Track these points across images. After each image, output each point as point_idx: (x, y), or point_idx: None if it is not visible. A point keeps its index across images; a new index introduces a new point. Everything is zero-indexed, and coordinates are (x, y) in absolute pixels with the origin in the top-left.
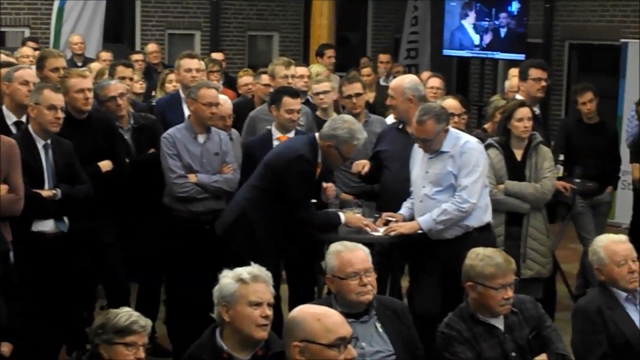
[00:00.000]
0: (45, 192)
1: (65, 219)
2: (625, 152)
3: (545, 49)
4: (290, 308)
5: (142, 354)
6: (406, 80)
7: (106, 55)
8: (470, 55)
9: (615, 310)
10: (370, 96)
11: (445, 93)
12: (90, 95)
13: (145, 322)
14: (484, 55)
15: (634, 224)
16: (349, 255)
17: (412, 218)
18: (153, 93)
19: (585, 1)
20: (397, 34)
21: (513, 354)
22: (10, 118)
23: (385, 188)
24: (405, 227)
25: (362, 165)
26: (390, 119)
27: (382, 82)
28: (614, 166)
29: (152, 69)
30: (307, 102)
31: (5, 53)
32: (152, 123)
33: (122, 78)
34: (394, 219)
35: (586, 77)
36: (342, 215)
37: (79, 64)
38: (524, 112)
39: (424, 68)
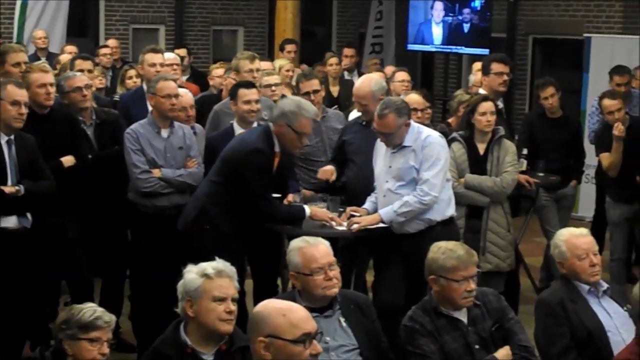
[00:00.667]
0: (8, 189)
1: (28, 214)
2: (589, 146)
3: (509, 44)
4: (255, 303)
5: (106, 350)
6: (372, 83)
7: (72, 49)
8: (434, 50)
9: (578, 303)
10: (335, 90)
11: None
12: (52, 90)
13: (110, 317)
14: (448, 50)
15: (596, 218)
16: (312, 251)
17: (376, 212)
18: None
19: None
20: (362, 28)
21: (476, 346)
22: None
23: (350, 182)
24: (366, 220)
25: (330, 173)
26: (354, 114)
27: (346, 77)
28: (577, 160)
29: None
30: None
31: None
32: (115, 118)
33: (81, 71)
34: (358, 214)
35: (550, 72)
36: (307, 209)
37: (43, 58)
38: (487, 106)
39: (389, 62)
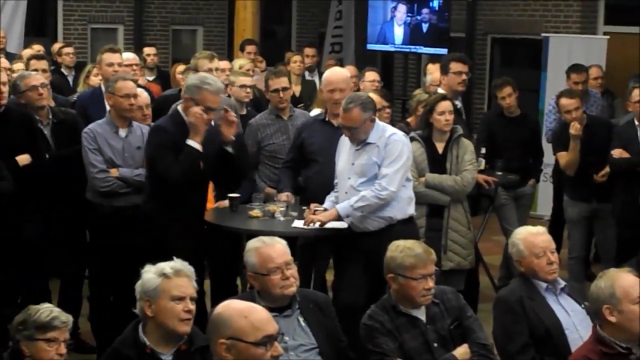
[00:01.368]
0: None
1: None
2: (547, 145)
3: (468, 43)
4: (214, 302)
5: (63, 350)
6: (344, 70)
7: (37, 47)
8: (393, 50)
9: (536, 300)
10: (296, 90)
11: None
12: (6, 89)
13: (67, 317)
14: (407, 50)
15: (554, 216)
16: (268, 251)
17: None
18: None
19: None
20: (322, 28)
21: (435, 344)
22: None
23: (312, 181)
24: (323, 215)
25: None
26: (315, 113)
27: (307, 77)
28: (536, 159)
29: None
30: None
31: None
32: (73, 118)
33: (35, 71)
34: (321, 208)
35: (508, 71)
36: (191, 142)
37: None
38: (445, 105)
39: (348, 62)
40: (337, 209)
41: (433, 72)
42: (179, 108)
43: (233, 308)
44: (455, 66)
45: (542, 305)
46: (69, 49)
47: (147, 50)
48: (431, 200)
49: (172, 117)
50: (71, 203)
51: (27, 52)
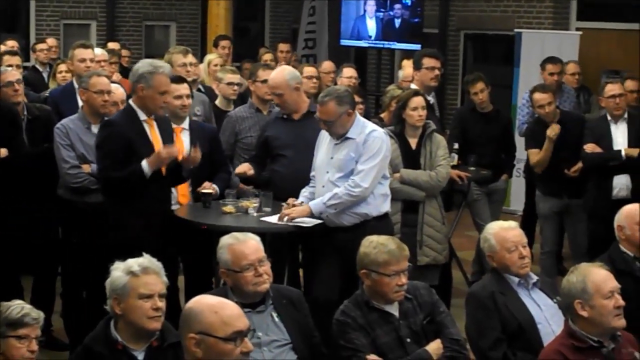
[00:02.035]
0: None
1: None
2: (520, 140)
3: (441, 39)
4: (188, 299)
5: (35, 347)
6: (285, 72)
7: (11, 43)
8: (367, 45)
9: (508, 295)
10: None
11: None
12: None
13: (38, 314)
14: (381, 46)
15: (527, 211)
16: (241, 247)
17: None
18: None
19: None
20: (295, 24)
21: (408, 339)
22: None
23: (281, 177)
24: (296, 212)
25: (248, 168)
26: None
27: None
28: (508, 154)
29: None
30: (198, 91)
31: None
32: (47, 114)
33: (10, 66)
34: (298, 202)
35: (481, 67)
36: (144, 164)
37: None
38: (418, 101)
39: (322, 58)
40: (309, 207)
41: (406, 67)
42: (131, 102)
43: (204, 303)
44: (427, 62)
45: (514, 300)
46: (43, 45)
47: (112, 45)
48: (406, 196)
49: (125, 111)
50: (43, 199)
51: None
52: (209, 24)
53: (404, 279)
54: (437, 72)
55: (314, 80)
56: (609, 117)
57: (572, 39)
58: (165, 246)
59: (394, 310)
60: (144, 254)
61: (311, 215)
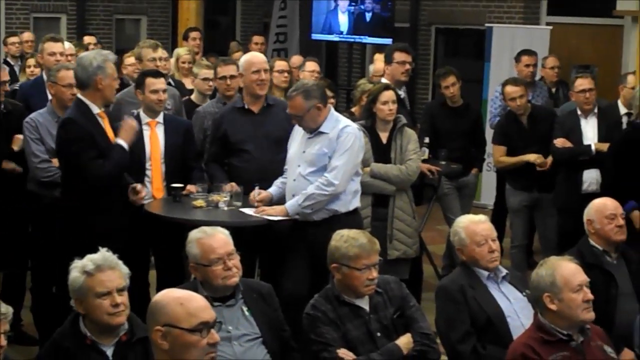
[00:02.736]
0: None
1: None
2: (490, 134)
3: (412, 34)
4: None
5: (3, 341)
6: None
7: None
8: (338, 39)
9: (477, 289)
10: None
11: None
12: None
13: (6, 309)
14: (352, 40)
15: (497, 205)
16: (210, 241)
17: (281, 197)
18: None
19: None
20: (266, 18)
21: (378, 333)
22: None
23: (243, 171)
24: (274, 210)
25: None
26: None
27: None
28: (478, 148)
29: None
30: (169, 85)
31: None
32: (20, 109)
33: None
34: (267, 192)
35: (452, 61)
36: (121, 142)
37: None
38: (389, 95)
39: (293, 52)
40: (286, 208)
41: (378, 61)
42: (80, 96)
43: (170, 296)
44: (398, 56)
45: (484, 293)
46: (14, 39)
47: (88, 39)
48: (376, 189)
49: (78, 107)
50: (13, 194)
51: None
52: (179, 17)
53: (374, 273)
54: (408, 66)
55: (285, 74)
56: (579, 112)
57: (542, 33)
58: (134, 241)
59: (364, 304)
60: (100, 249)
61: (287, 215)
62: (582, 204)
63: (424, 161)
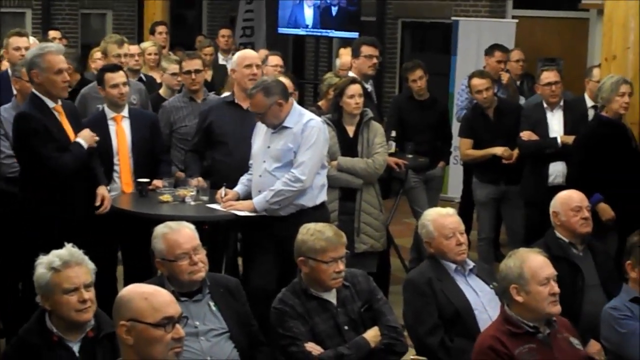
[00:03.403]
0: None
1: None
2: (457, 127)
3: (379, 27)
4: None
5: None
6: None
7: None
8: (304, 33)
9: (445, 281)
10: (208, 74)
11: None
12: None
13: None
14: (318, 34)
15: (464, 198)
16: (175, 236)
17: (248, 194)
18: None
19: None
20: (233, 12)
21: (346, 327)
22: None
23: (221, 164)
24: (241, 205)
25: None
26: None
27: (221, 61)
28: (445, 141)
29: None
30: (139, 80)
31: None
32: None
33: None
34: (234, 190)
35: (419, 55)
36: (81, 141)
37: None
38: (355, 89)
39: (260, 46)
40: (253, 204)
41: (344, 55)
42: (34, 91)
43: (135, 291)
44: (366, 50)
45: (451, 286)
46: None
47: (53, 34)
48: (344, 183)
49: (32, 101)
50: None
51: None
52: (145, 12)
53: (341, 266)
54: (375, 60)
55: (279, 68)
56: (545, 105)
57: (508, 27)
58: (101, 236)
59: (331, 298)
60: (65, 244)
61: (254, 211)
62: (548, 196)
63: (391, 155)
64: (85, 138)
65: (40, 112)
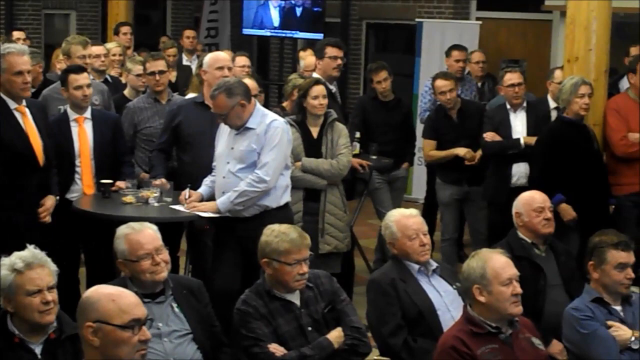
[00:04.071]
0: None
1: None
2: (421, 128)
3: (343, 28)
4: None
5: None
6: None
7: None
8: (269, 34)
9: (408, 282)
10: (172, 75)
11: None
12: None
13: None
14: (283, 35)
15: (427, 199)
16: (138, 237)
17: (211, 196)
18: None
19: None
20: (197, 12)
21: (309, 328)
22: None
23: (188, 165)
24: (205, 206)
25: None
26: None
27: (184, 61)
28: (408, 142)
29: None
30: (105, 81)
31: None
32: None
33: None
34: (198, 191)
35: (383, 56)
36: None
37: None
38: (319, 89)
39: (224, 47)
40: (217, 205)
41: (306, 57)
42: None
43: (101, 292)
44: (330, 51)
45: (415, 286)
46: None
47: (17, 34)
48: (308, 184)
49: None
50: None
51: None
52: (109, 12)
53: (305, 268)
54: (339, 61)
55: (247, 69)
56: (508, 106)
57: (472, 28)
58: (63, 237)
59: (295, 299)
60: (27, 246)
61: (218, 212)
62: (511, 197)
63: (355, 156)
64: None
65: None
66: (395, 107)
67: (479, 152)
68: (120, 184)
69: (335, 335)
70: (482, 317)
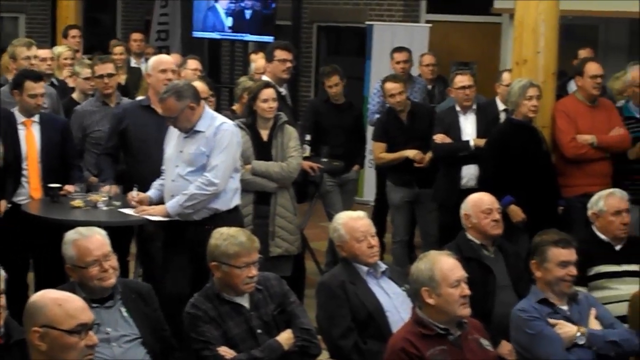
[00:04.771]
0: None
1: None
2: (371, 131)
3: (294, 31)
4: None
5: None
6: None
7: None
8: (219, 37)
9: (358, 284)
10: (122, 78)
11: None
12: None
13: None
14: (233, 37)
15: (378, 201)
16: (86, 243)
17: (160, 199)
18: None
19: None
20: (148, 15)
21: (259, 330)
22: None
23: (137, 169)
24: (154, 210)
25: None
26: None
27: (133, 64)
28: (359, 145)
29: None
30: (52, 84)
31: None
32: None
33: None
34: (146, 194)
35: (334, 59)
36: None
37: None
38: (269, 92)
39: (175, 50)
40: (166, 208)
41: (256, 60)
42: None
43: (47, 297)
44: (279, 54)
45: (364, 288)
46: None
47: None
48: (258, 187)
49: None
50: None
51: None
52: (58, 15)
53: (254, 271)
54: (289, 64)
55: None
56: (457, 108)
57: (422, 31)
58: (11, 242)
59: (244, 301)
60: None
61: (168, 215)
62: (461, 199)
63: (305, 158)
64: None
65: None
66: (347, 110)
67: (429, 154)
68: (69, 187)
69: (285, 337)
70: (431, 318)
